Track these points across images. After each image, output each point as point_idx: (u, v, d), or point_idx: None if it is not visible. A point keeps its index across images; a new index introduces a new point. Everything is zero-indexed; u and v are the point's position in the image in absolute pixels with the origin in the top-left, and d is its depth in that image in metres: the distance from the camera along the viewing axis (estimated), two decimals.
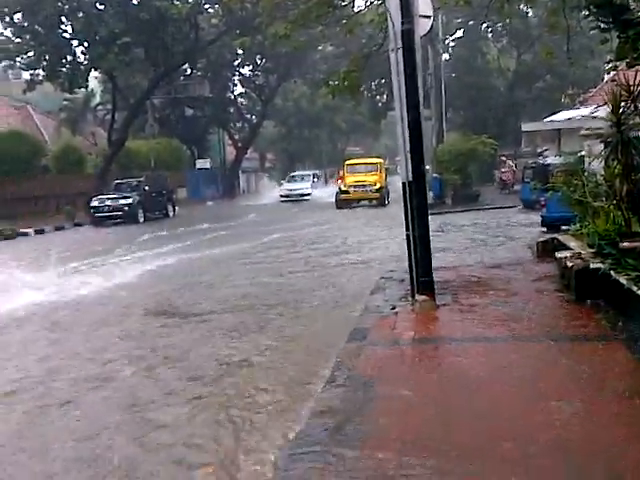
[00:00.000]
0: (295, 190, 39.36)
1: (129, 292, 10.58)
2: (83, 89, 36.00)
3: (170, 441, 4.73)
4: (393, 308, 7.45)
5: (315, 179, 43.28)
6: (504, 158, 34.32)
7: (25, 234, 24.52)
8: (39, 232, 25.26)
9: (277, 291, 10.13)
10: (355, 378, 5.06)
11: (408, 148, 7.53)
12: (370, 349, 5.89)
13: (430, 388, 4.82)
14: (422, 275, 7.54)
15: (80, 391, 5.91)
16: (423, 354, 5.72)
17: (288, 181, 42.58)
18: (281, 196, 38.99)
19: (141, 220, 27.85)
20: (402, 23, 7.32)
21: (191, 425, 5.00)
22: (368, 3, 11.65)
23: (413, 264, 7.74)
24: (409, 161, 7.54)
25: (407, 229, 7.80)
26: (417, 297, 7.51)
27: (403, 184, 7.84)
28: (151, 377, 6.17)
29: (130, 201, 27.80)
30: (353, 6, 11.37)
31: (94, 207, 27.95)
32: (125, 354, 6.99)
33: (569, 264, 7.31)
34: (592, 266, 6.94)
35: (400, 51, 7.42)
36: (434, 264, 7.84)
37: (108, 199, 28.07)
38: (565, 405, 4.32)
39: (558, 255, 8.06)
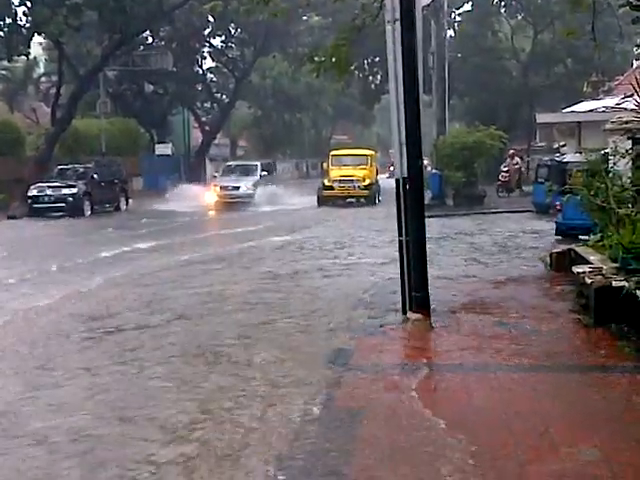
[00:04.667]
0: (229, 188, 30.80)
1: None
2: (24, 57, 35.58)
3: None
4: (381, 326, 7.40)
5: (266, 172, 33.32)
6: (512, 151, 33.09)
7: None
8: None
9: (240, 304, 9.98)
10: (333, 412, 4.97)
11: (403, 139, 7.47)
12: (352, 376, 5.83)
13: (420, 425, 4.73)
14: (416, 289, 7.49)
15: None
16: (414, 384, 5.64)
17: (223, 174, 33.51)
18: (218, 196, 30.73)
19: (87, 213, 27.55)
20: None
21: None
22: None
23: (406, 275, 7.68)
24: (404, 154, 7.47)
25: (400, 234, 7.75)
26: (409, 314, 7.46)
27: (397, 181, 7.78)
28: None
29: (75, 191, 27.48)
30: None
31: (32, 197, 27.59)
32: None
33: (588, 281, 7.30)
34: (615, 284, 6.92)
35: (398, 23, 7.37)
36: (430, 276, 7.79)
37: (49, 188, 27.71)
38: (579, 453, 4.25)
39: (575, 270, 8.05)
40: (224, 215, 27.34)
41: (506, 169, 31.95)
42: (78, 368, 6.65)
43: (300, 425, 4.85)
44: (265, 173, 33.01)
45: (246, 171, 32.84)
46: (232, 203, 29.46)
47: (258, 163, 34.30)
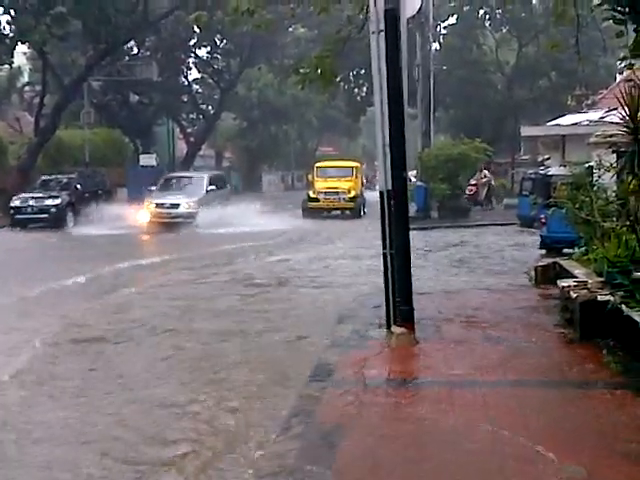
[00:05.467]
0: (165, 206, 25.69)
1: None
2: (7, 66, 35.41)
3: None
4: (364, 341, 7.32)
5: (214, 187, 27.81)
6: (483, 165, 31.42)
7: None
8: None
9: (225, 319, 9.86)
10: (314, 429, 4.89)
11: (388, 151, 7.41)
12: (334, 392, 5.74)
13: (405, 444, 4.66)
14: (400, 302, 7.42)
15: None
16: (398, 400, 5.58)
17: (161, 188, 27.77)
18: (152, 215, 25.62)
19: (71, 224, 27.31)
20: (385, 1, 7.23)
21: None
22: None
23: (390, 288, 7.61)
24: (389, 166, 7.42)
25: (384, 247, 7.69)
26: (393, 328, 7.39)
27: (381, 193, 7.73)
28: None
29: (58, 202, 27.26)
30: None
31: (15, 207, 27.32)
32: None
33: (573, 295, 7.26)
34: (600, 298, 6.88)
35: (382, 34, 7.32)
36: (415, 289, 7.73)
37: (32, 198, 27.47)
38: (566, 470, 4.18)
39: (560, 283, 8.01)
40: (145, 240, 23.29)
41: (474, 182, 31.17)
42: None
43: (279, 443, 4.76)
44: (212, 188, 27.42)
45: (189, 185, 27.70)
46: (169, 224, 24.55)
47: (205, 175, 28.81)
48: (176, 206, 25.71)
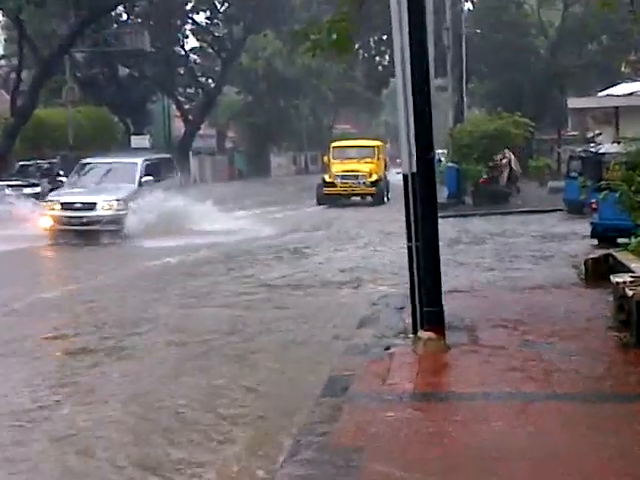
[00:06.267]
0: (75, 206, 20.50)
1: None
2: None
3: None
4: (387, 348, 7.28)
5: (150, 177, 21.78)
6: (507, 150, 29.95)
7: None
8: None
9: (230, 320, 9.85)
10: (328, 451, 4.84)
11: (412, 128, 7.33)
12: (352, 408, 5.68)
13: (434, 472, 4.59)
14: (428, 303, 7.35)
15: None
16: (425, 417, 5.52)
17: (71, 181, 23.24)
18: (56, 221, 20.24)
19: None
20: None
21: None
22: None
23: (416, 287, 7.55)
24: (413, 145, 7.33)
25: (409, 239, 7.62)
26: (420, 333, 7.32)
27: (404, 176, 7.66)
28: None
29: (38, 190, 27.48)
30: None
31: None
32: None
33: (629, 292, 7.18)
34: None
35: None
36: (445, 287, 7.68)
37: (9, 187, 27.71)
38: None
39: (614, 279, 7.94)
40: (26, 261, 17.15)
41: (491, 164, 29.03)
42: None
43: (286, 470, 4.72)
44: (148, 178, 21.55)
45: (113, 176, 22.05)
46: (83, 233, 19.84)
47: (138, 161, 22.41)
48: (91, 207, 20.40)
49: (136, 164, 22.18)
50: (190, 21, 48.86)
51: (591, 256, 10.99)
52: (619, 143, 13.65)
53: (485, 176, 28.53)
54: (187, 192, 22.78)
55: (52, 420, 6.33)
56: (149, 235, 18.58)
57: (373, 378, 6.40)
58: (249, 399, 6.74)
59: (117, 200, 20.37)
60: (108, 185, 21.47)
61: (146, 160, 22.73)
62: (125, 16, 44.96)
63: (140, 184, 21.28)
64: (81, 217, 20.25)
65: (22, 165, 30.01)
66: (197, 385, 7.17)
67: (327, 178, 30.94)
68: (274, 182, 32.44)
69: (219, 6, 47.18)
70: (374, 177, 30.60)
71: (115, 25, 43.96)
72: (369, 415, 5.52)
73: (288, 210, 26.85)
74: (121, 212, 20.15)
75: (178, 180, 24.50)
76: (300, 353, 8.35)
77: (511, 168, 31.53)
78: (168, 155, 26.34)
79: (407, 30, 7.29)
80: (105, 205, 20.37)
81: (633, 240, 9.71)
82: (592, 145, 22.15)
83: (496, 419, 5.35)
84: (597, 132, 27.08)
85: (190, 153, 52.73)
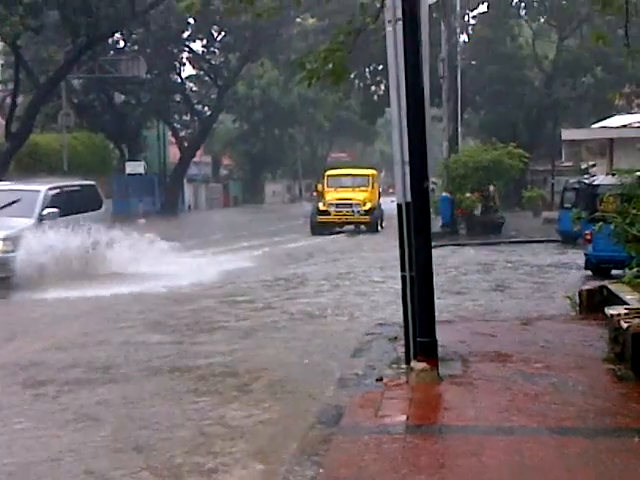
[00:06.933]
0: None
1: None
2: None
3: None
4: (379, 379, 7.21)
5: (54, 208, 16.80)
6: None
7: None
8: None
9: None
10: None
11: (407, 157, 7.32)
12: (343, 440, 5.62)
13: None
14: (421, 334, 7.30)
15: None
16: (418, 450, 5.43)
17: None
18: None
19: None
20: None
21: None
22: None
23: (410, 317, 7.51)
24: (407, 175, 7.32)
25: (402, 268, 7.59)
26: (413, 364, 7.26)
27: (399, 206, 7.63)
28: None
29: None
30: None
31: None
32: None
33: (624, 325, 7.16)
34: None
35: (400, 23, 7.24)
36: (439, 317, 7.64)
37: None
38: None
39: (608, 311, 7.91)
40: None
41: (485, 194, 28.87)
42: None
43: None
44: (53, 210, 16.70)
45: (8, 206, 16.91)
46: None
47: (41, 189, 17.46)
48: None
49: (38, 192, 17.34)
50: (187, 49, 49.13)
51: (585, 288, 10.95)
52: (613, 175, 13.71)
53: (465, 208, 27.83)
54: (127, 227, 18.67)
55: None
56: (44, 283, 14.67)
57: (365, 409, 6.35)
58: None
59: (3, 240, 15.69)
60: None
61: (53, 188, 17.91)
62: (122, 43, 45.20)
63: (40, 218, 16.56)
64: None
65: None
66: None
67: (321, 206, 30.93)
68: (266, 210, 31.65)
69: (216, 35, 47.48)
70: (368, 205, 30.65)
71: (112, 52, 44.17)
72: (361, 447, 5.45)
73: (269, 245, 23.48)
74: (8, 254, 15.52)
75: (103, 213, 19.66)
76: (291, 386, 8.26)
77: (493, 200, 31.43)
78: (91, 182, 20.89)
79: (403, 60, 7.30)
80: None
81: (627, 272, 9.70)
82: (586, 176, 22.24)
83: (490, 453, 5.29)
84: (591, 163, 27.20)
85: (185, 180, 52.85)
